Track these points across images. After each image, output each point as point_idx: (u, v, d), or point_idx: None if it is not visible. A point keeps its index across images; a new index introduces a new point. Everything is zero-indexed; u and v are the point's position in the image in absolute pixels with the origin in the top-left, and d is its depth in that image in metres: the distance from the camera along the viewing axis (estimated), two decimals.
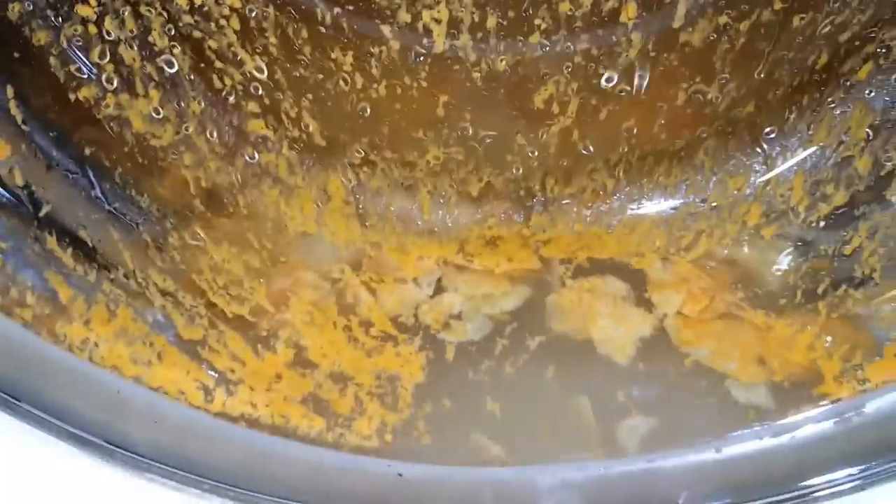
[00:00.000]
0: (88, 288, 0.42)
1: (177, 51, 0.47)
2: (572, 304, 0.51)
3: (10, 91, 0.42)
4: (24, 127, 0.42)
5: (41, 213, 0.42)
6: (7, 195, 0.41)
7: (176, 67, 0.47)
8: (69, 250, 0.42)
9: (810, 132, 0.50)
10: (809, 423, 0.44)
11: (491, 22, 0.46)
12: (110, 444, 0.40)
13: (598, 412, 0.47)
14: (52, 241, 0.41)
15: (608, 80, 0.49)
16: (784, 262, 0.50)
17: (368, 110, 0.50)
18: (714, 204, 0.52)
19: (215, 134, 0.49)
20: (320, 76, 0.48)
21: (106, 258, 0.44)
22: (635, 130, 0.51)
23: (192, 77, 0.48)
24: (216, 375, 0.44)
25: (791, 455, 0.43)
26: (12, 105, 0.42)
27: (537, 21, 0.46)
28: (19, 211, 0.41)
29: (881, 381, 0.44)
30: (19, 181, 0.41)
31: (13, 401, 0.38)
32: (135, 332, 0.43)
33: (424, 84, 0.49)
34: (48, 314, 0.40)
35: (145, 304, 0.44)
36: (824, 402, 0.45)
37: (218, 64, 0.48)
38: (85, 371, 0.41)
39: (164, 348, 0.43)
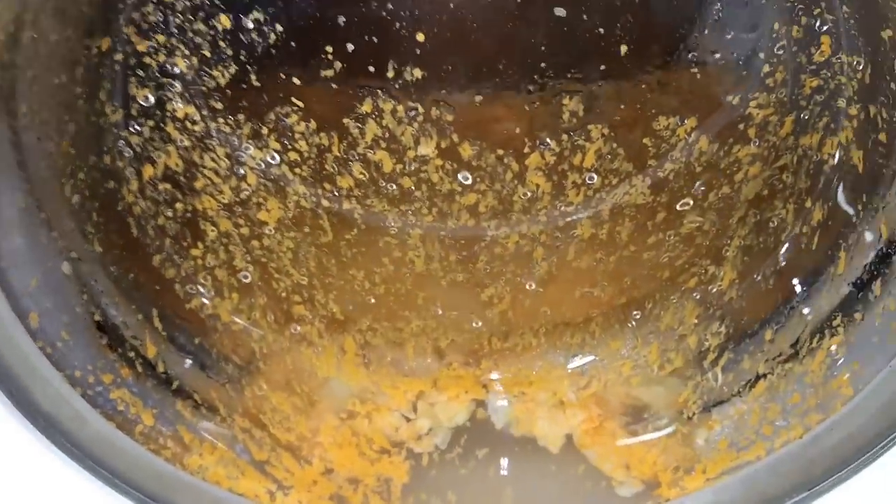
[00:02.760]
0: (200, 431, 0.67)
1: (250, 269, 0.72)
2: (519, 412, 0.77)
3: (155, 313, 0.67)
4: (162, 333, 0.67)
5: (173, 387, 0.67)
6: (154, 379, 0.66)
7: (249, 278, 0.73)
8: (189, 409, 0.67)
9: (661, 316, 0.76)
10: None
11: (452, 256, 0.73)
12: None
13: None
14: (179, 405, 0.66)
15: (529, 286, 0.75)
16: (646, 402, 0.77)
17: (373, 300, 0.75)
18: (601, 359, 0.78)
19: (272, 317, 0.75)
20: (341, 282, 0.74)
21: (209, 410, 0.69)
22: (549, 311, 0.77)
23: (259, 283, 0.73)
24: (276, 483, 0.69)
25: None
26: (155, 320, 0.67)
27: (482, 257, 0.73)
28: (160, 387, 0.66)
29: (692, 489, 0.70)
30: (161, 368, 0.66)
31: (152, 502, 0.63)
32: (227, 458, 0.67)
33: (409, 287, 0.75)
34: (178, 452, 0.64)
35: (233, 439, 0.69)
36: (659, 500, 0.71)
37: (276, 276, 0.73)
38: (198, 485, 0.65)
39: (245, 468, 0.67)
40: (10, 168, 0.53)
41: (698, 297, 0.73)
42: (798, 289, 0.67)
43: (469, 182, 0.65)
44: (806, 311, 0.66)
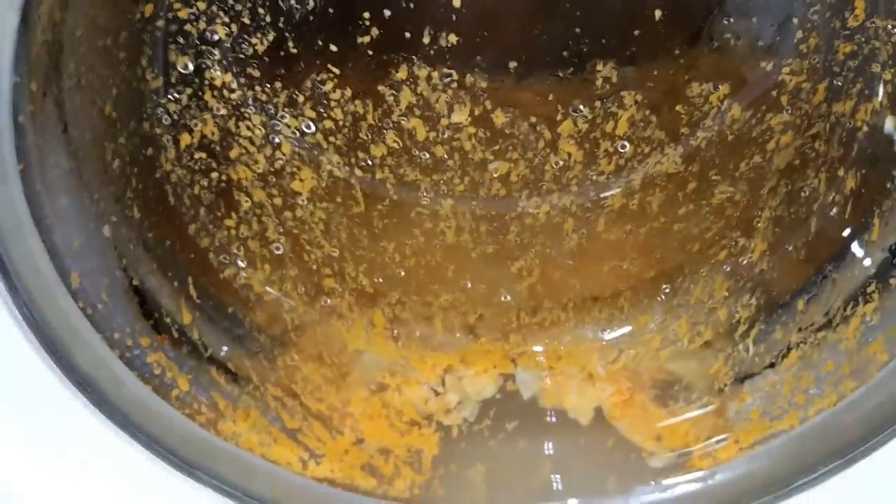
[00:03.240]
0: (233, 399, 0.67)
1: (282, 240, 0.73)
2: (549, 385, 0.77)
3: (190, 281, 0.68)
4: (197, 301, 0.68)
5: (207, 355, 0.67)
6: (189, 345, 0.67)
7: (281, 250, 0.73)
8: (223, 376, 0.68)
9: (691, 290, 0.76)
10: (681, 483, 0.71)
11: (483, 227, 0.73)
12: (247, 495, 0.65)
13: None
14: (213, 371, 0.67)
15: (558, 259, 0.75)
16: (677, 375, 0.77)
17: (403, 273, 0.76)
18: (630, 333, 0.78)
19: (303, 289, 0.75)
20: (372, 254, 0.75)
21: (242, 378, 0.69)
22: (577, 285, 0.78)
23: (290, 255, 0.74)
24: (308, 451, 0.69)
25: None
26: (191, 288, 0.68)
27: (513, 228, 0.73)
28: (195, 354, 0.67)
29: (725, 459, 0.70)
30: (195, 336, 0.67)
31: (190, 468, 0.64)
32: (260, 425, 0.67)
33: (439, 259, 0.75)
34: (213, 417, 0.65)
35: (265, 406, 0.69)
36: (691, 470, 0.71)
37: (308, 247, 0.73)
38: (233, 451, 0.66)
39: (277, 435, 0.67)
40: (55, 127, 0.54)
41: (728, 269, 0.73)
42: (831, 257, 0.67)
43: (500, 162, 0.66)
44: (838, 278, 0.66)
